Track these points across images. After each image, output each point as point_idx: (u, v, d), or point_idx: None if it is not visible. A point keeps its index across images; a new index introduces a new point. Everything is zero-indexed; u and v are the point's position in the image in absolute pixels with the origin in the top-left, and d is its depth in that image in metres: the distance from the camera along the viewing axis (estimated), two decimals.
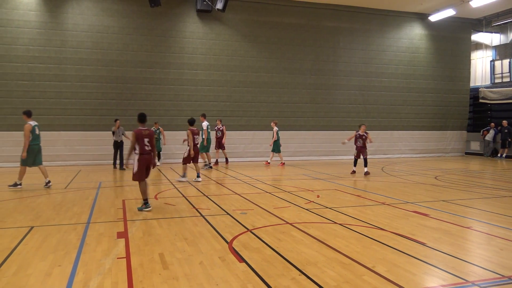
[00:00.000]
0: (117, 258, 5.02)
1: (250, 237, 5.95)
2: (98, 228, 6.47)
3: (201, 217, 7.28)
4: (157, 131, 16.24)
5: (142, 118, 8.05)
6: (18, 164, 10.43)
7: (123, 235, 6.06)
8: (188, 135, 11.59)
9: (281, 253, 5.20)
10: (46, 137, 16.23)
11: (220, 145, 16.60)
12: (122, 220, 7.04)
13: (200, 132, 13.88)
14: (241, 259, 4.99)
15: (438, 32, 21.87)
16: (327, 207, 8.16)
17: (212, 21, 18.37)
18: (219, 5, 17.02)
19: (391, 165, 17.45)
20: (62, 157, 16.43)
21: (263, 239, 5.83)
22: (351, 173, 13.73)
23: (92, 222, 6.89)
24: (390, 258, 5.03)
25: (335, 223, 6.86)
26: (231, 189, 10.47)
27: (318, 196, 9.45)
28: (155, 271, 4.58)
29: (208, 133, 14.93)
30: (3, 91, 15.93)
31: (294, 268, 4.68)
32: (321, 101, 20.15)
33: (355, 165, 13.80)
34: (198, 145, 12.27)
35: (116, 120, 15.17)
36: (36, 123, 10.63)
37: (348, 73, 20.50)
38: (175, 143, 17.64)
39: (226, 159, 17.30)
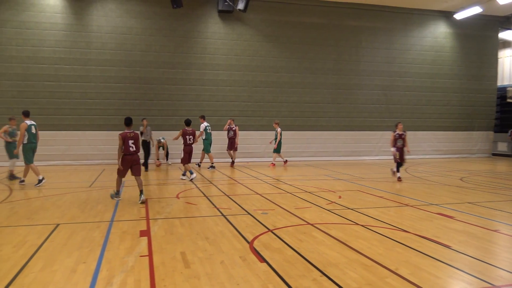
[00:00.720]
0: (140, 256, 5.09)
1: (271, 237, 5.94)
2: (121, 226, 6.58)
3: (222, 216, 7.31)
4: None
5: (127, 122, 8.66)
6: (46, 162, 10.78)
7: (146, 233, 6.14)
8: (178, 135, 12.17)
9: (302, 254, 5.17)
10: (71, 136, 16.73)
11: (232, 146, 16.23)
12: (145, 218, 7.13)
13: (196, 132, 13.60)
14: (262, 259, 4.98)
15: (464, 30, 21.37)
16: (349, 208, 8.08)
17: (233, 21, 18.44)
18: (241, 6, 17.06)
19: (414, 166, 17.15)
20: (87, 156, 16.78)
21: (284, 240, 5.81)
22: (397, 180, 12.19)
23: (116, 220, 7.00)
24: (414, 261, 4.95)
25: (357, 224, 6.78)
26: (252, 189, 10.48)
27: (339, 197, 9.36)
28: (176, 269, 4.62)
29: (209, 134, 15.37)
30: (31, 92, 16.37)
31: (315, 269, 4.65)
32: (343, 101, 19.97)
33: (398, 170, 12.28)
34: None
35: (143, 120, 14.97)
36: (33, 123, 11.10)
37: (370, 73, 20.26)
38: (197, 142, 17.80)
39: (233, 161, 16.53)
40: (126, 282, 4.25)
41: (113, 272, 4.52)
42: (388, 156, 20.27)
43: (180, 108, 17.71)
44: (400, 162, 12.33)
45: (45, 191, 10.03)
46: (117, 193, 8.90)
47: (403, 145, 12.36)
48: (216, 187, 10.87)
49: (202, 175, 13.35)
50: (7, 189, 10.28)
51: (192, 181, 11.60)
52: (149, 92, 17.55)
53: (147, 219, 7.10)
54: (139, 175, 8.67)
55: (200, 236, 5.98)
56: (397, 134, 12.43)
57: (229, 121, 16.32)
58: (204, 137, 15.26)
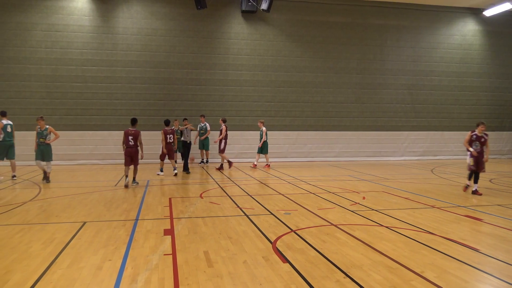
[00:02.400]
0: (164, 254, 5.15)
1: (294, 238, 5.92)
2: (146, 225, 6.68)
3: (245, 216, 7.32)
4: (204, 126, 16.34)
5: (132, 122, 11.13)
6: (74, 162, 11.07)
7: (170, 232, 6.21)
8: (161, 134, 13.14)
9: (325, 255, 5.13)
10: (98, 136, 17.09)
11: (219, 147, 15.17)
12: (169, 217, 7.22)
13: (177, 131, 14.60)
14: (285, 259, 4.97)
15: (494, 27, 20.77)
16: (373, 209, 7.97)
17: (256, 21, 18.47)
18: (264, 6, 17.06)
19: (441, 167, 16.77)
20: (112, 156, 17.10)
21: (307, 240, 5.78)
22: (463, 189, 10.26)
23: (140, 219, 7.11)
24: (440, 264, 4.84)
25: (382, 225, 6.68)
26: (275, 189, 10.46)
27: (363, 198, 9.24)
28: (200, 268, 4.66)
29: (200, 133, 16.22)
30: (59, 93, 16.81)
31: (339, 271, 4.60)
32: (367, 101, 19.72)
33: (470, 178, 10.10)
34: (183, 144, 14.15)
35: (184, 119, 15.11)
36: (9, 122, 11.90)
37: (395, 72, 19.93)
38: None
39: (221, 164, 15.41)
40: (151, 280, 4.30)
41: (137, 270, 4.59)
42: (413, 157, 19.94)
43: (204, 108, 17.85)
44: (475, 170, 9.96)
45: (72, 190, 10.27)
46: (125, 177, 10.87)
47: (482, 149, 9.95)
48: (239, 187, 10.90)
49: (225, 175, 13.42)
50: (36, 188, 10.58)
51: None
52: (173, 92, 17.77)
53: (171, 218, 7.18)
54: (136, 165, 11.06)
55: (223, 236, 6.01)
56: (474, 135, 10.02)
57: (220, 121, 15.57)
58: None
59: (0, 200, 8.78)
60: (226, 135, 15.06)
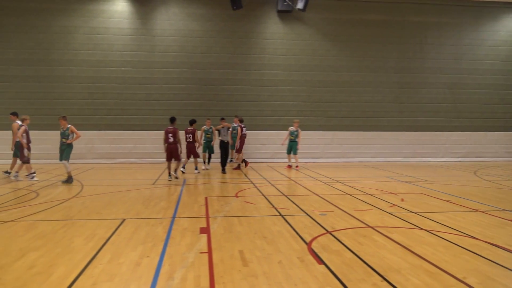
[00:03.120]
0: (200, 252, 5.20)
1: (329, 239, 5.84)
2: (182, 223, 6.78)
3: (280, 216, 7.29)
4: (210, 130, 15.08)
5: (171, 120, 12.08)
6: (113, 160, 11.34)
7: (205, 230, 6.28)
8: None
9: (362, 257, 5.03)
10: (136, 136, 17.54)
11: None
12: (205, 216, 7.30)
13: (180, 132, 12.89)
14: (320, 261, 4.91)
15: None
16: (412, 212, 7.75)
17: (292, 21, 18.39)
18: (300, 5, 16.97)
19: (485, 169, 16.10)
20: (150, 155, 17.51)
21: (343, 242, 5.69)
22: None
23: (177, 217, 7.23)
24: (483, 270, 4.63)
25: (421, 229, 6.48)
26: (310, 190, 10.37)
27: (402, 200, 9.00)
28: (235, 267, 4.68)
29: (204, 135, 14.94)
30: (100, 93, 17.38)
31: (376, 274, 4.49)
32: (406, 100, 19.21)
33: None
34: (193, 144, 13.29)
35: (222, 119, 14.63)
36: (19, 122, 11.87)
37: (436, 70, 19.31)
38: (255, 142, 18.03)
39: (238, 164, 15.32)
40: (187, 278, 4.36)
41: (174, 267, 4.67)
42: (454, 158, 19.24)
43: (239, 108, 17.96)
44: None
45: (112, 188, 10.59)
46: (169, 175, 11.90)
47: None
48: (274, 187, 10.88)
49: (260, 175, 13.44)
50: (79, 185, 10.97)
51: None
52: (209, 92, 17.98)
53: (207, 217, 7.26)
54: (178, 160, 12.03)
55: (258, 235, 6.01)
56: None
57: (207, 121, 15.26)
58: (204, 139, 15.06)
59: (45, 197, 9.17)
60: (243, 134, 14.86)
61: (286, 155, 15.79)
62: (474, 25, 19.49)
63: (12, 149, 11.91)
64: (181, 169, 13.52)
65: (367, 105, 18.94)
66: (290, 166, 15.79)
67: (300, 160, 16.28)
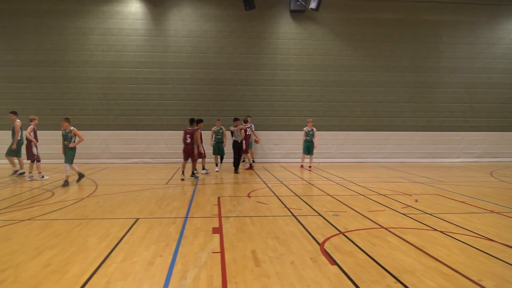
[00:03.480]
0: (212, 252, 5.22)
1: (342, 240, 5.80)
2: (195, 222, 6.81)
3: (293, 216, 7.28)
4: (220, 131, 14.47)
5: (190, 121, 12.42)
6: (127, 160, 11.42)
7: (218, 230, 6.29)
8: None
9: (375, 258, 4.99)
10: (150, 136, 17.67)
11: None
12: (217, 216, 7.31)
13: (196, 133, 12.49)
14: (333, 261, 4.88)
15: None
16: (426, 213, 7.65)
17: (305, 21, 18.33)
18: (313, 5, 16.89)
19: (502, 169, 15.83)
20: (164, 155, 17.63)
21: (356, 243, 5.64)
22: None
23: (190, 216, 7.26)
24: (500, 272, 4.55)
25: (436, 230, 6.40)
26: (323, 190, 10.32)
27: (416, 201, 8.90)
28: (247, 267, 4.68)
29: (215, 136, 14.37)
30: (114, 94, 17.56)
31: (389, 275, 4.45)
32: (421, 100, 19.00)
33: None
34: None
35: (235, 120, 14.14)
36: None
37: (451, 70, 19.06)
38: (268, 142, 18.02)
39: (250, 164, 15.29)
40: (199, 277, 4.38)
41: (187, 267, 4.69)
42: (470, 159, 18.96)
43: (252, 108, 17.98)
44: None
45: (126, 187, 10.69)
46: (182, 173, 12.14)
47: None
48: (287, 187, 10.86)
49: (273, 175, 13.43)
50: (93, 185, 11.10)
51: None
52: (222, 93, 18.02)
53: (219, 216, 7.27)
54: (193, 161, 12.32)
55: (271, 236, 6.00)
56: None
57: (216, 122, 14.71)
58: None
59: (59, 196, 9.30)
60: (247, 135, 14.53)
61: (301, 155, 15.62)
62: (490, 23, 19.17)
63: (14, 148, 12.16)
64: (203, 171, 13.62)
65: (380, 105, 18.78)
66: (302, 166, 15.67)
67: (313, 160, 16.15)
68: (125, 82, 17.60)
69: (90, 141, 17.19)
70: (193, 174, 12.51)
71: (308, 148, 15.18)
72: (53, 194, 9.57)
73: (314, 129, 15.15)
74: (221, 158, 15.02)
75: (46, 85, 17.25)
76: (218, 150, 14.44)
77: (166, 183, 11.47)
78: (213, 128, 14.53)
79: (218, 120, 14.84)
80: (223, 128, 14.51)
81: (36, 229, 6.33)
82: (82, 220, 6.93)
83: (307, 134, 15.14)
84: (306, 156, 15.44)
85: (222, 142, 14.43)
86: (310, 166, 15.43)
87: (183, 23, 17.82)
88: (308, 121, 15.28)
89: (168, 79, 17.80)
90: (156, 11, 17.67)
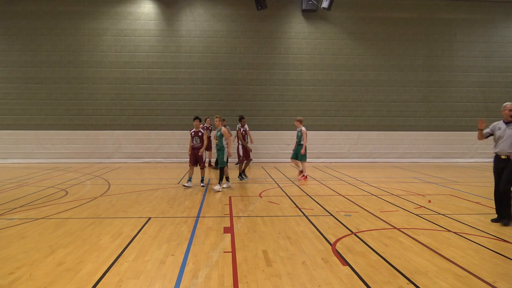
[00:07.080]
0: (224, 252, 5.23)
1: (354, 240, 5.76)
2: (206, 222, 6.83)
3: (304, 217, 7.25)
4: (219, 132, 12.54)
5: (195, 118, 10.97)
6: (139, 160, 11.45)
7: (229, 230, 6.30)
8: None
9: (387, 259, 4.94)
10: (162, 135, 17.77)
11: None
12: (229, 216, 7.33)
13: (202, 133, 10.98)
14: (345, 262, 4.85)
15: None
16: (440, 214, 7.56)
17: (317, 20, 18.26)
18: (325, 4, 16.81)
19: None
20: (176, 155, 17.72)
21: (368, 243, 5.60)
22: None
23: (201, 216, 7.28)
24: None
25: (449, 231, 6.31)
26: (335, 190, 10.27)
27: (429, 201, 8.80)
28: (258, 267, 4.68)
29: (219, 139, 10.68)
30: (127, 94, 17.72)
31: (402, 276, 4.41)
32: (434, 99, 18.78)
33: None
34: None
35: (241, 119, 12.84)
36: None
37: (466, 69, 18.80)
38: (279, 142, 17.99)
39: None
40: (211, 276, 4.39)
41: (198, 266, 4.70)
42: (485, 159, 18.68)
43: (264, 108, 17.98)
44: None
45: (138, 187, 10.77)
46: (189, 180, 10.84)
47: None
48: (298, 187, 10.83)
49: (284, 175, 13.40)
50: (106, 184, 11.21)
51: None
52: (233, 93, 18.05)
53: (231, 216, 7.29)
54: (198, 166, 10.84)
55: (282, 236, 5.99)
56: None
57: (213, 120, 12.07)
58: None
59: (73, 195, 9.41)
60: (236, 136, 12.92)
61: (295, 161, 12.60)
62: (506, 21, 18.87)
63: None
64: (238, 178, 12.22)
65: (393, 105, 18.61)
66: (301, 172, 12.44)
67: (325, 160, 16.04)
68: (138, 82, 17.74)
69: (103, 140, 17.39)
70: (240, 175, 12.24)
71: (296, 152, 12.18)
72: (67, 193, 9.69)
73: (303, 128, 11.97)
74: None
75: (60, 85, 17.47)
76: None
77: (178, 183, 11.52)
78: (239, 128, 12.90)
79: (243, 118, 13.09)
80: (247, 127, 13.35)
81: (50, 227, 6.42)
82: (95, 219, 7.00)
83: (296, 136, 12.27)
84: (298, 162, 12.40)
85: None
86: (303, 176, 12.29)
87: (195, 23, 17.89)
88: (296, 120, 12.26)
89: (180, 79, 17.89)
90: (168, 12, 17.77)
